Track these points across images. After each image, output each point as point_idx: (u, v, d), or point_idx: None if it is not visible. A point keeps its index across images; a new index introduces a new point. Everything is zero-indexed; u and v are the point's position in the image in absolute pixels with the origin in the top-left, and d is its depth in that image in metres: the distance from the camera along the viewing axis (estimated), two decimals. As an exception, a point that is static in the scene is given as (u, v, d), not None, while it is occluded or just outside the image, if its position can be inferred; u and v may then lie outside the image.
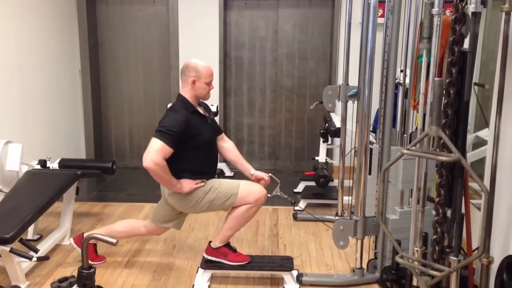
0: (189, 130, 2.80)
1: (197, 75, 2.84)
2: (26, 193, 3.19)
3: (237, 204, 2.93)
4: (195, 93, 2.88)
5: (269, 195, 3.02)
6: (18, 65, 4.19)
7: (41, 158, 3.71)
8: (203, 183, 2.90)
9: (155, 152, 2.67)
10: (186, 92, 2.89)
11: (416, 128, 2.91)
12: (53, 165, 3.73)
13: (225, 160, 5.50)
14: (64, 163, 3.76)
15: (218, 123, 3.46)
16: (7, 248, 2.70)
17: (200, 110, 2.96)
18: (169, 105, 4.14)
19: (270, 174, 3.11)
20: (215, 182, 2.95)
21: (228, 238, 3.01)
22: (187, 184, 2.85)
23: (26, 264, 3.01)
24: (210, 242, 3.04)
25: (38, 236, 3.59)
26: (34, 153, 4.10)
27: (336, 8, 5.19)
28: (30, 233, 3.55)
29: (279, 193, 3.13)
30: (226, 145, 3.16)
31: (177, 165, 2.81)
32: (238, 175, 5.39)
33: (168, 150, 2.71)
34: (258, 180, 3.07)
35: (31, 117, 4.42)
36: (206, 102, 3.09)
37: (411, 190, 2.78)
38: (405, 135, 3.07)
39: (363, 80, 2.94)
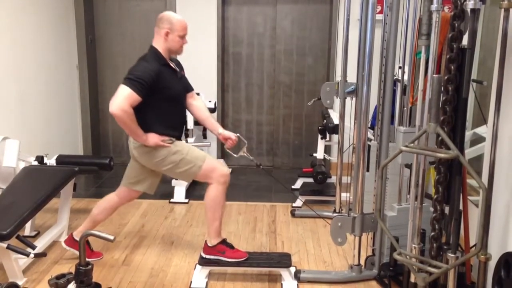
0: (159, 82, 2.80)
1: (170, 27, 2.84)
2: (24, 189, 3.18)
3: (199, 177, 2.96)
4: (167, 45, 2.88)
5: (235, 155, 3.04)
6: (15, 61, 4.17)
7: (38, 154, 3.70)
8: (170, 142, 2.90)
9: (123, 98, 2.68)
10: (159, 44, 2.88)
11: (413, 103, 2.87)
12: (51, 161, 3.72)
13: (222, 157, 5.50)
14: (62, 160, 3.75)
15: (215, 119, 3.45)
16: (4, 245, 2.69)
17: (172, 65, 2.96)
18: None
19: (237, 134, 3.12)
20: (184, 147, 2.95)
21: (218, 231, 3.00)
22: (152, 138, 2.86)
23: (23, 261, 3.00)
24: (207, 241, 3.04)
25: (36, 232, 3.58)
26: (32, 149, 4.08)
27: (335, 5, 5.18)
28: (27, 230, 3.54)
29: (245, 154, 3.14)
30: (196, 103, 3.15)
31: (144, 116, 2.82)
32: (237, 171, 5.41)
33: (135, 98, 2.71)
34: (225, 139, 3.08)
35: (28, 113, 4.40)
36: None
37: (409, 187, 2.78)
38: (404, 108, 3.03)
39: (361, 76, 2.93)
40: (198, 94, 4.84)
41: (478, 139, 3.80)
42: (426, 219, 2.61)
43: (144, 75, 2.73)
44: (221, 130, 3.09)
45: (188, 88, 3.12)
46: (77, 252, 3.12)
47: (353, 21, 3.68)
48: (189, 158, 2.93)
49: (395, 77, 3.00)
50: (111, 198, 3.16)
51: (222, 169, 2.97)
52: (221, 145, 5.52)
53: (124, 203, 3.20)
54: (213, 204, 2.97)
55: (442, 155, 2.21)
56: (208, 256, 3.00)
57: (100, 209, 3.16)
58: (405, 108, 2.99)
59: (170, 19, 2.85)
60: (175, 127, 2.99)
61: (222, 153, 5.57)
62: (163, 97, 2.86)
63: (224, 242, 3.02)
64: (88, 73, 5.38)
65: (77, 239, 3.14)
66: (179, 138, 3.03)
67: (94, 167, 3.77)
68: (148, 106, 2.81)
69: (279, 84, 5.52)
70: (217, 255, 2.99)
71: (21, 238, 2.83)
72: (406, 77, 3.03)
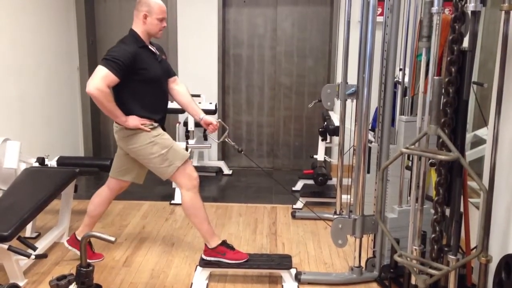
0: (136, 63, 2.80)
1: (149, 10, 2.85)
2: (24, 191, 3.19)
3: (173, 177, 2.96)
4: (146, 28, 2.88)
5: (217, 141, 3.03)
6: (16, 63, 4.18)
7: (39, 156, 3.71)
8: (148, 128, 2.90)
9: (100, 78, 2.68)
10: (138, 27, 2.89)
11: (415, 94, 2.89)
12: (51, 162, 3.73)
13: (223, 159, 5.51)
14: (62, 161, 3.75)
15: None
16: (5, 246, 2.70)
17: (151, 48, 2.97)
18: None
19: (219, 120, 3.14)
20: (166, 143, 2.94)
21: (211, 232, 3.01)
22: (133, 120, 2.86)
23: (24, 262, 3.00)
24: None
25: (37, 234, 3.58)
26: (32, 150, 4.09)
27: (335, 6, 5.18)
28: (28, 231, 3.54)
29: (227, 140, 3.16)
30: (178, 87, 3.15)
31: (123, 99, 2.84)
32: (237, 173, 5.41)
33: (112, 78, 2.71)
34: (207, 124, 3.09)
35: (29, 114, 4.40)
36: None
37: (410, 188, 2.78)
38: (406, 97, 3.02)
39: (362, 78, 2.93)
40: (199, 96, 4.88)
41: (478, 141, 3.81)
42: (427, 221, 2.61)
43: (121, 56, 2.74)
44: (202, 115, 3.10)
45: (170, 73, 3.11)
46: (79, 252, 3.13)
47: (354, 23, 3.68)
48: (169, 155, 2.92)
49: (395, 79, 3.00)
50: (102, 191, 3.18)
51: (191, 173, 2.97)
52: (221, 147, 5.53)
53: (116, 194, 3.20)
54: (192, 211, 2.98)
55: (442, 157, 2.21)
56: (208, 258, 3.01)
57: (95, 205, 3.17)
58: (406, 97, 2.99)
59: (148, 2, 2.86)
60: (155, 110, 2.97)
61: (223, 155, 5.57)
62: (141, 79, 2.86)
63: (224, 243, 3.03)
64: (89, 74, 5.36)
65: (80, 239, 3.14)
66: (162, 124, 3.03)
67: (95, 168, 3.77)
68: (127, 88, 2.83)
69: (280, 85, 5.52)
70: (218, 256, 2.99)
71: (22, 240, 2.84)
72: (406, 79, 3.04)
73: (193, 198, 2.97)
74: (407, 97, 3.00)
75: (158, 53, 3.01)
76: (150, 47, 2.95)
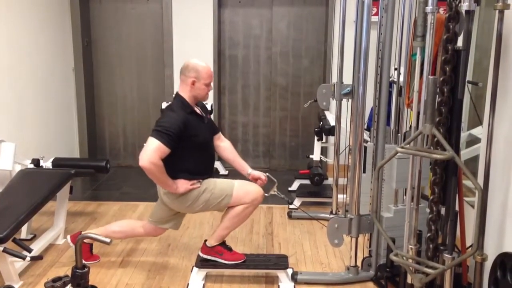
0: (187, 131, 2.79)
1: (197, 76, 2.84)
2: (20, 192, 3.18)
3: (232, 205, 2.92)
4: (194, 93, 2.88)
5: (266, 194, 3.02)
6: (11, 64, 4.16)
7: (34, 157, 3.69)
8: (198, 184, 2.89)
9: (152, 151, 2.67)
10: (185, 92, 2.88)
11: (410, 127, 2.92)
12: (47, 164, 3.71)
13: (219, 159, 5.50)
14: (58, 162, 3.74)
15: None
16: (0, 248, 2.68)
17: (198, 110, 2.96)
18: (163, 104, 4.15)
19: (267, 174, 3.11)
20: (210, 183, 2.94)
21: (224, 237, 3.01)
22: (182, 185, 2.85)
23: (19, 264, 2.99)
24: (206, 241, 3.04)
25: (32, 235, 3.57)
26: (27, 152, 4.07)
27: (331, 7, 5.19)
28: (23, 233, 3.53)
29: (276, 193, 3.13)
30: (223, 144, 3.15)
31: (174, 165, 2.81)
32: (233, 174, 5.38)
33: (165, 150, 2.70)
34: (255, 179, 3.07)
35: (24, 116, 4.39)
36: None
37: (405, 188, 2.79)
38: (399, 134, 3.07)
39: (357, 78, 2.94)
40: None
41: (473, 140, 3.82)
42: (422, 220, 2.61)
43: (171, 126, 2.72)
44: (250, 170, 3.08)
45: (215, 130, 3.11)
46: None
47: (349, 23, 3.69)
48: (217, 192, 2.90)
49: (390, 79, 3.01)
50: (135, 227, 3.13)
51: (255, 192, 2.92)
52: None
53: (147, 236, 3.23)
54: (235, 219, 2.95)
55: (438, 156, 2.22)
56: (205, 256, 3.00)
57: (121, 229, 3.13)
58: (399, 135, 3.01)
59: (196, 67, 2.84)
60: (204, 172, 2.96)
61: (218, 157, 5.56)
62: (191, 145, 2.84)
63: (223, 244, 3.02)
64: (84, 75, 5.36)
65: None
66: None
67: (91, 169, 3.76)
68: (178, 156, 2.79)
69: (276, 86, 5.52)
70: (215, 256, 2.99)
71: (17, 241, 2.83)
72: (401, 78, 3.04)
73: (249, 212, 2.94)
74: (399, 134, 3.01)
75: (204, 114, 3.00)
76: (196, 109, 2.93)
